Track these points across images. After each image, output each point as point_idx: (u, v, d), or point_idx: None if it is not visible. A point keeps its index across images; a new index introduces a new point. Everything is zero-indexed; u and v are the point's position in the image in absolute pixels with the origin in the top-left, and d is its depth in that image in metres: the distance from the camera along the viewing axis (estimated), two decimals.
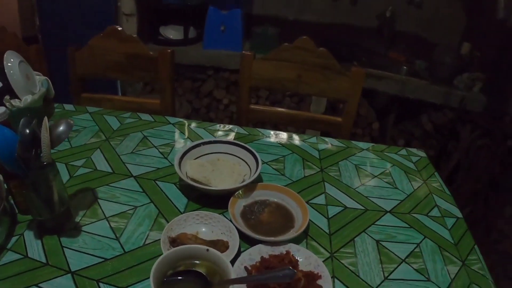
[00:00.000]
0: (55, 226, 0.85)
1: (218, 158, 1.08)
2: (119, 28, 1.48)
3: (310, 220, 0.92)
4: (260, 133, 1.32)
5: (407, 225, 0.98)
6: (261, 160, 1.04)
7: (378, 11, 2.85)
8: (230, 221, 0.87)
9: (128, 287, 0.74)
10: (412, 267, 0.86)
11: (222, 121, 2.83)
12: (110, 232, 0.86)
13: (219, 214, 0.89)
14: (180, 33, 2.76)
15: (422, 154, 1.32)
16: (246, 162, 1.07)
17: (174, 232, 0.83)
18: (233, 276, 0.63)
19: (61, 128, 0.81)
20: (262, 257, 0.80)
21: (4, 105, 0.91)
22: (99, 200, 0.95)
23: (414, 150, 1.33)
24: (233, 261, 0.76)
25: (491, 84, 2.54)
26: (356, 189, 1.10)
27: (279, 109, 1.59)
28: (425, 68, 2.73)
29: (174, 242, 0.80)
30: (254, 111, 1.56)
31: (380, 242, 0.92)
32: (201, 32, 2.74)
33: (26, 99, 0.95)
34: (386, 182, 1.14)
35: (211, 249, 0.67)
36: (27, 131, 0.74)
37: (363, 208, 1.02)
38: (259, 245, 0.82)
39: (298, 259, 0.80)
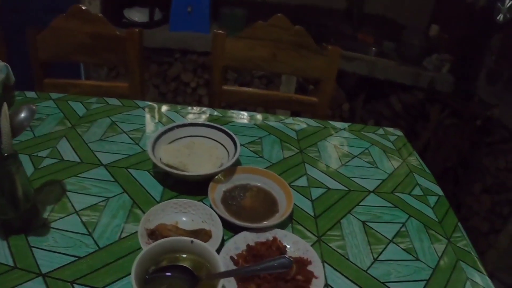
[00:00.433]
0: (21, 225, 0.77)
1: (193, 141, 1.02)
2: (83, 8, 1.39)
3: (294, 203, 0.89)
4: (234, 115, 1.28)
5: (391, 205, 0.97)
6: (239, 141, 1.00)
7: None
8: (211, 207, 0.82)
9: (105, 287, 0.68)
10: (400, 247, 0.85)
11: (190, 105, 2.76)
12: (82, 228, 0.80)
13: (198, 201, 0.84)
14: (145, 15, 2.66)
15: (399, 133, 1.31)
16: (223, 145, 1.02)
17: (151, 224, 0.77)
18: (222, 268, 0.58)
19: (22, 115, 0.75)
20: (248, 245, 0.75)
21: None
22: (67, 193, 0.88)
23: (390, 129, 1.33)
24: (217, 251, 0.71)
25: (459, 65, 2.57)
26: (338, 170, 1.07)
27: (254, 89, 1.54)
28: (394, 49, 2.74)
29: (152, 234, 0.75)
30: (228, 92, 1.51)
31: (366, 223, 0.90)
32: (167, 14, 2.65)
33: None
34: (367, 162, 1.13)
35: (196, 240, 0.62)
36: None
37: (346, 188, 1.00)
38: (244, 232, 0.78)
39: (286, 245, 0.77)
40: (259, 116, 1.29)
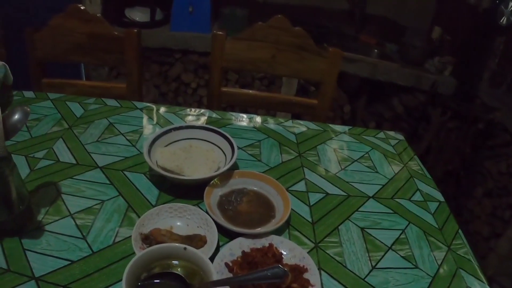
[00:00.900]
0: (15, 227, 0.76)
1: (190, 144, 1.01)
2: (82, 7, 1.38)
3: (291, 208, 0.87)
4: (233, 117, 1.26)
5: (391, 211, 0.95)
6: (236, 145, 0.98)
7: None
8: (206, 212, 0.80)
9: None
10: (399, 254, 0.83)
11: (191, 106, 2.76)
12: (76, 231, 0.78)
13: (194, 205, 0.83)
14: (147, 15, 2.65)
15: (400, 137, 1.30)
16: (220, 148, 1.00)
17: (146, 228, 0.76)
18: (215, 276, 0.57)
19: (16, 117, 0.73)
20: (243, 252, 0.74)
21: None
22: (62, 195, 0.87)
23: (391, 133, 1.31)
24: (212, 257, 0.70)
25: (461, 67, 2.55)
26: (337, 174, 1.05)
27: (253, 91, 1.53)
28: (396, 51, 2.73)
29: (146, 239, 0.73)
30: (227, 94, 1.50)
31: (365, 229, 0.88)
32: (168, 14, 2.64)
33: None
34: (367, 166, 1.11)
35: (189, 247, 0.60)
36: None
37: (345, 194, 0.98)
38: (239, 238, 0.77)
39: (282, 252, 0.75)
40: (258, 119, 1.27)
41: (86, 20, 1.39)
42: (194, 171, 0.91)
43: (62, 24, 1.40)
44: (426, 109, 2.65)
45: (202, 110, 1.28)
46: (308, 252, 0.78)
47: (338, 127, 1.28)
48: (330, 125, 1.29)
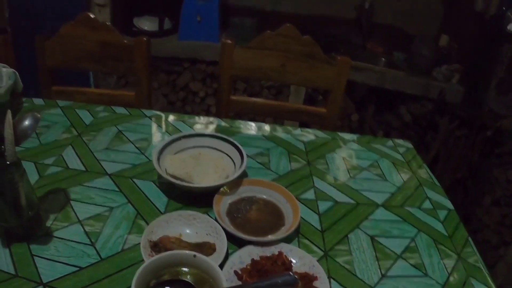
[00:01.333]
0: (24, 233, 0.76)
1: (200, 152, 1.01)
2: (91, 15, 1.39)
3: (300, 217, 0.87)
4: (241, 126, 1.26)
5: (400, 219, 0.95)
6: (245, 153, 0.98)
7: (357, 3, 2.83)
8: (216, 220, 0.80)
9: None
10: (409, 263, 0.83)
11: (199, 115, 2.76)
12: (85, 237, 0.79)
13: (203, 213, 0.83)
14: (155, 24, 2.67)
15: (409, 145, 1.29)
16: (229, 156, 1.00)
17: (155, 235, 0.76)
18: (225, 284, 0.57)
19: (26, 123, 0.74)
20: (252, 260, 0.74)
21: None
22: (71, 202, 0.87)
23: (400, 141, 1.31)
24: (221, 265, 0.70)
25: (469, 75, 2.55)
26: (346, 183, 1.05)
27: (262, 100, 1.53)
28: (404, 60, 2.73)
29: (155, 246, 0.73)
30: (236, 102, 1.50)
31: (375, 237, 0.88)
32: (177, 23, 2.66)
33: None
34: (376, 175, 1.11)
35: (198, 254, 0.60)
36: None
37: (354, 202, 0.98)
38: (249, 246, 0.76)
39: (292, 260, 0.75)
40: (267, 127, 1.27)
41: (96, 28, 1.40)
42: (203, 179, 0.91)
43: (72, 32, 1.41)
44: (434, 117, 2.64)
45: (211, 119, 1.28)
46: (317, 260, 0.77)
47: (347, 135, 1.28)
48: (339, 133, 1.29)
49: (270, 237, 0.79)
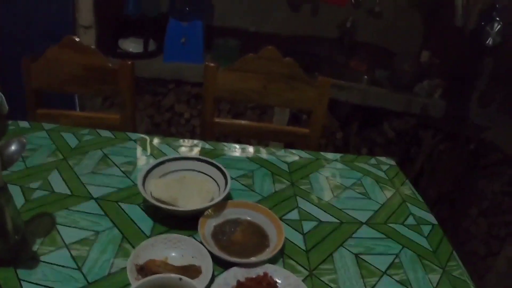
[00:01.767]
0: (10, 257, 0.76)
1: (184, 175, 1.02)
2: (76, 39, 1.41)
3: (285, 237, 0.88)
4: (225, 148, 1.28)
5: (384, 236, 0.97)
6: (230, 176, 1.00)
7: (339, 22, 2.88)
8: (201, 243, 0.81)
9: None
10: (394, 279, 0.84)
11: (184, 136, 2.77)
12: (71, 262, 0.79)
13: (188, 235, 0.84)
14: (140, 45, 2.69)
15: (392, 162, 1.32)
16: (214, 179, 1.02)
17: (141, 259, 0.77)
18: None
19: (12, 148, 0.75)
20: (238, 281, 0.74)
21: None
22: (57, 226, 0.87)
23: (383, 158, 1.33)
24: None
25: (451, 89, 2.60)
26: (329, 202, 1.07)
27: (246, 122, 1.55)
28: (386, 77, 2.77)
29: (142, 270, 0.74)
30: (219, 124, 1.52)
31: (359, 255, 0.89)
32: (161, 44, 2.68)
33: None
34: (359, 193, 1.13)
35: (184, 278, 0.61)
36: None
37: (338, 221, 1.00)
38: (234, 268, 0.77)
39: (277, 280, 0.76)
40: (251, 149, 1.29)
41: (81, 51, 1.42)
42: (188, 202, 0.92)
43: (58, 55, 1.42)
44: (417, 133, 2.68)
45: (195, 141, 1.29)
46: (302, 280, 0.78)
47: (330, 155, 1.30)
48: (322, 153, 1.31)
49: (254, 259, 0.80)
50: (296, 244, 0.90)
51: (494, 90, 2.38)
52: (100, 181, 1.04)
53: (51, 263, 0.78)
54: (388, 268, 0.87)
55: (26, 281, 0.73)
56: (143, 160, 1.17)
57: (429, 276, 0.86)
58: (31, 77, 1.45)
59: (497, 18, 2.23)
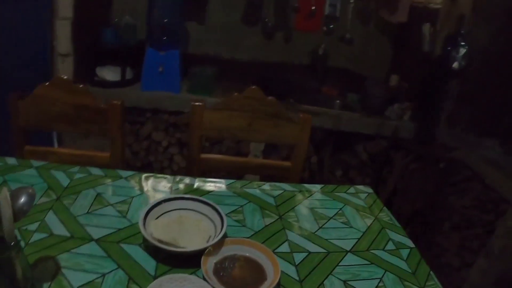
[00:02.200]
0: None
1: (180, 215, 1.07)
2: (66, 78, 1.44)
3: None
4: (213, 184, 1.32)
5: (368, 262, 1.04)
6: (225, 216, 1.05)
7: (311, 49, 2.98)
8: (204, 279, 0.87)
9: None
10: None
11: (162, 163, 2.80)
12: None
13: (191, 273, 0.89)
14: (117, 74, 2.71)
15: (369, 190, 1.40)
16: (208, 217, 1.08)
17: None
18: None
19: (22, 200, 0.76)
20: None
21: None
22: (62, 270, 0.89)
23: (361, 187, 1.41)
24: None
25: (419, 112, 2.73)
26: (316, 233, 1.14)
27: (231, 157, 1.62)
28: (358, 101, 2.88)
29: None
30: (205, 160, 1.58)
31: (347, 282, 0.96)
32: (138, 72, 2.71)
33: None
34: (342, 222, 1.20)
35: None
36: None
37: (325, 251, 1.07)
38: None
39: None
40: (237, 184, 1.33)
41: (71, 90, 1.44)
42: (188, 242, 0.97)
43: (47, 93, 1.43)
44: (389, 154, 2.79)
45: (184, 178, 1.33)
46: None
47: (312, 186, 1.37)
48: (305, 185, 1.38)
49: None
50: (290, 276, 0.96)
51: (460, 111, 2.51)
52: (98, 221, 1.06)
53: None
54: None
55: None
56: (137, 199, 1.19)
57: None
58: (19, 115, 1.45)
59: (462, 43, 2.38)
